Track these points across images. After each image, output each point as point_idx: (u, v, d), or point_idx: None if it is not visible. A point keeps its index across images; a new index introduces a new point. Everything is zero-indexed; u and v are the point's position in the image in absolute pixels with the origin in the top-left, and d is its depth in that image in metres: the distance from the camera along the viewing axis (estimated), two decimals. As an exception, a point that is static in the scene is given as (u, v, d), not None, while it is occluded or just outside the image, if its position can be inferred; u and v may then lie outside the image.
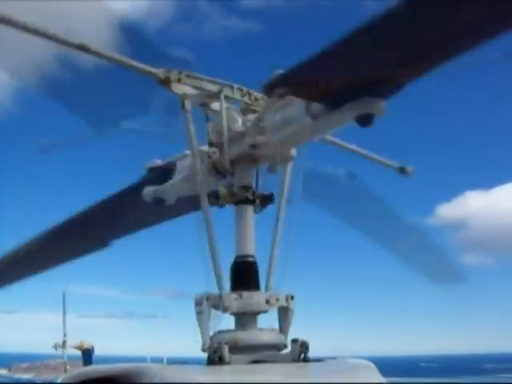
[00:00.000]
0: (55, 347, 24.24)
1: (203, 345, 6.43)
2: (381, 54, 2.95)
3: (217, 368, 6.06)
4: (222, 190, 6.65)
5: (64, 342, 23.18)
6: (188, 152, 5.77)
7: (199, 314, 6.51)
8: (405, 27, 2.67)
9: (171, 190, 6.57)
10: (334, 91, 3.28)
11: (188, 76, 4.37)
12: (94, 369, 7.56)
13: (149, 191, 6.93)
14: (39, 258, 8.65)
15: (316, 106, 3.99)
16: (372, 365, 6.47)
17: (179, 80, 4.33)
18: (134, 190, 6.78)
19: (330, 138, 5.73)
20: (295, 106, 4.27)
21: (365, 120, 3.40)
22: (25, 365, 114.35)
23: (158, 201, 7.03)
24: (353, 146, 6.66)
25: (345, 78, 3.12)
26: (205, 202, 5.84)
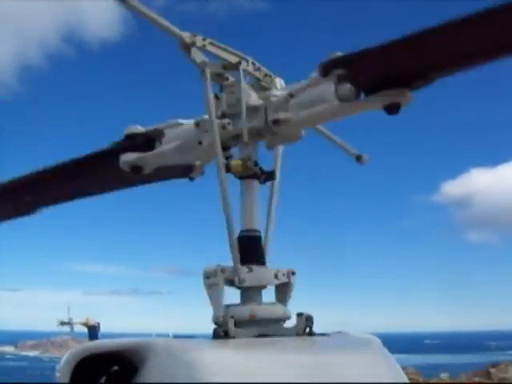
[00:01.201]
0: (60, 324, 24.55)
1: (216, 317, 6.67)
2: (419, 52, 3.26)
3: (222, 342, 6.23)
4: (236, 162, 6.85)
5: (70, 319, 23.43)
6: (179, 121, 5.87)
7: (212, 286, 6.72)
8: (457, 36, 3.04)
9: (157, 158, 6.60)
10: (373, 78, 3.55)
11: (211, 44, 4.49)
12: (100, 343, 7.77)
13: (128, 158, 6.89)
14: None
15: (347, 89, 4.17)
16: (378, 339, 6.66)
17: (203, 46, 4.46)
18: (108, 155, 6.82)
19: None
20: (322, 87, 4.44)
21: (392, 108, 3.59)
22: (31, 342, 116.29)
23: (136, 169, 7.07)
24: (320, 127, 6.92)
25: (390, 68, 3.42)
26: (223, 172, 6.04)
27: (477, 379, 31.06)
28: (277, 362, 5.29)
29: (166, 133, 6.28)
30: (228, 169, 6.02)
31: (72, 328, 21.96)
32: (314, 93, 4.69)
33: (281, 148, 6.56)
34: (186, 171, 6.28)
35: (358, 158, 6.78)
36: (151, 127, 6.37)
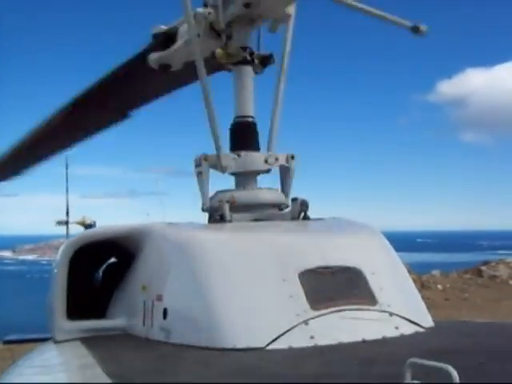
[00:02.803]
0: (58, 224, 24.35)
1: (203, 204, 6.65)
2: None
3: (218, 225, 6.24)
4: (219, 51, 6.68)
5: (67, 217, 23.14)
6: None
7: (198, 174, 6.68)
8: None
9: (175, 54, 6.58)
10: None
11: None
12: (97, 231, 7.74)
13: (154, 57, 6.94)
14: (59, 136, 8.58)
15: None
16: (372, 226, 6.49)
17: None
18: (141, 58, 6.72)
19: None
20: None
21: None
22: (28, 246, 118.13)
23: (164, 67, 7.08)
24: (361, 5, 6.49)
25: None
26: (201, 63, 5.89)
27: (468, 276, 31.51)
28: (272, 242, 5.21)
29: (180, 29, 6.17)
30: (213, 57, 5.88)
31: (67, 228, 21.60)
32: None
33: (289, 29, 6.48)
34: (212, 61, 6.10)
35: (415, 30, 6.51)
36: (172, 24, 6.21)
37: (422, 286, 26.59)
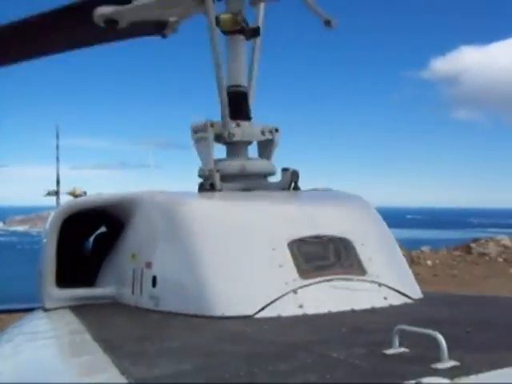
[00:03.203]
0: (48, 194, 24.29)
1: (202, 171, 6.59)
2: None
3: (208, 194, 6.24)
4: (224, 16, 6.58)
5: (57, 187, 23.06)
6: None
7: (200, 140, 6.61)
8: None
9: (133, 12, 6.30)
10: None
11: None
12: (87, 199, 7.69)
13: (104, 11, 6.64)
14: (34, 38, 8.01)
15: None
16: (363, 198, 6.50)
17: None
18: (81, 8, 6.44)
19: None
20: None
21: None
22: (19, 217, 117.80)
23: (111, 22, 6.81)
24: None
25: None
26: (213, 26, 5.87)
27: (457, 253, 31.68)
28: (262, 211, 5.24)
29: None
30: (217, 23, 5.79)
31: (58, 198, 21.50)
32: None
33: (262, 6, 6.51)
34: (159, 28, 5.99)
35: (327, 23, 6.76)
36: None
37: (411, 262, 26.69)
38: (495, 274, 27.16)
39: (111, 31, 6.34)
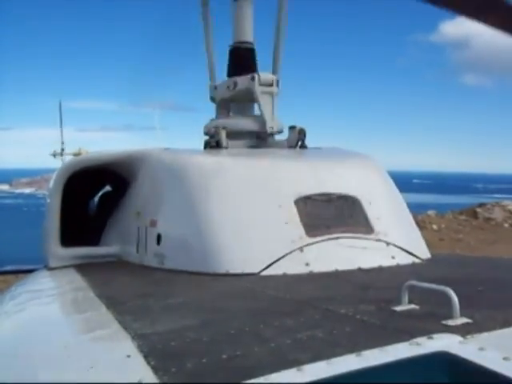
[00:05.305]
0: (54, 155, 24.33)
1: (205, 128, 6.59)
2: None
3: (214, 151, 6.15)
4: None
5: (62, 150, 23.11)
6: None
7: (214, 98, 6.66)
8: None
9: None
10: None
11: None
12: (94, 155, 7.57)
13: None
14: None
15: None
16: (372, 156, 6.38)
17: None
18: None
19: None
20: None
21: None
22: (25, 180, 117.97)
23: None
24: None
25: None
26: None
27: (463, 217, 31.59)
28: (268, 168, 5.13)
29: None
30: None
31: (63, 159, 21.48)
32: None
33: None
34: None
35: None
36: None
37: (417, 226, 26.61)
38: (501, 238, 27.09)
39: None
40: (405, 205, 5.84)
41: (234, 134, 6.06)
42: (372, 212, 5.02)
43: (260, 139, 6.27)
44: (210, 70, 6.53)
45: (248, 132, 6.21)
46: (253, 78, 6.07)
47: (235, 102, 6.42)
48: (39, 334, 3.60)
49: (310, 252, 4.59)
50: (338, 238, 4.72)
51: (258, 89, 6.15)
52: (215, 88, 6.37)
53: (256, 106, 6.47)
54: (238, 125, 6.15)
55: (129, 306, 3.75)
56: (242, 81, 6.20)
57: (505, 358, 2.11)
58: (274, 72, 6.62)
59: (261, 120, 6.25)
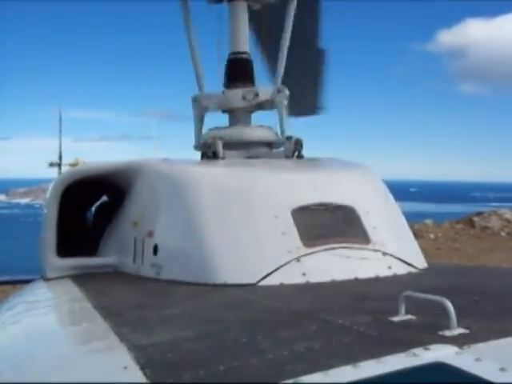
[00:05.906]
0: (50, 165, 24.38)
1: (196, 141, 6.61)
2: None
3: (211, 162, 6.17)
4: None
5: (60, 160, 23.10)
6: None
7: (193, 112, 6.70)
8: None
9: None
10: None
11: None
12: (89, 166, 7.56)
13: None
14: None
15: None
16: (369, 166, 6.40)
17: None
18: None
19: None
20: None
21: None
22: (22, 189, 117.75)
23: None
24: None
25: None
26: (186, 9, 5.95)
27: (460, 226, 31.61)
28: (265, 179, 5.15)
29: None
30: None
31: (60, 170, 21.62)
32: None
33: None
34: None
35: None
36: None
37: (414, 235, 26.60)
38: (498, 247, 27.12)
39: None
40: (401, 214, 5.85)
41: (230, 145, 6.07)
42: (369, 222, 5.03)
43: (257, 150, 6.29)
44: (198, 79, 6.65)
45: (249, 142, 6.24)
46: (279, 91, 6.23)
47: (233, 112, 6.45)
48: (36, 346, 3.59)
49: (307, 262, 4.60)
50: (334, 248, 4.73)
51: (283, 101, 6.25)
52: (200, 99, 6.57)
53: (253, 116, 6.54)
54: (235, 135, 6.16)
55: (125, 317, 3.74)
56: (265, 92, 6.31)
57: (501, 369, 2.11)
58: (275, 83, 6.70)
59: (270, 130, 6.36)
